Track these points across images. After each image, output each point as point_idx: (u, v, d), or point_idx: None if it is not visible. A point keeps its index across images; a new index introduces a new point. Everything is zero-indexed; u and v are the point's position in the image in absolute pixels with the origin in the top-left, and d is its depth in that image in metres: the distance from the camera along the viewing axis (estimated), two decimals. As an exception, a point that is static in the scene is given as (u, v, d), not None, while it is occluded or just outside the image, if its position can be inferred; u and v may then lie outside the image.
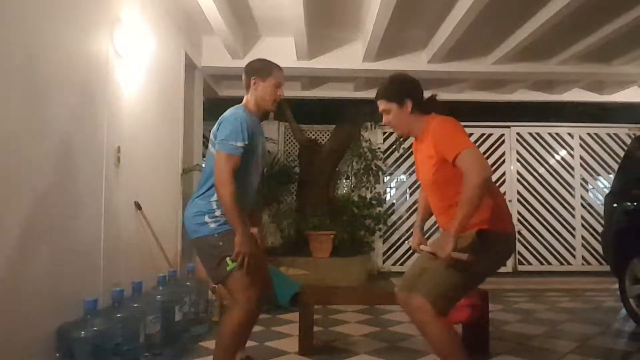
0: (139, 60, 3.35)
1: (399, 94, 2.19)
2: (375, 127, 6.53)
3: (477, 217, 2.03)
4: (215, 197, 2.31)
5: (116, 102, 3.05)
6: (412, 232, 2.45)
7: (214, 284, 2.53)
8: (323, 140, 6.87)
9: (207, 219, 2.31)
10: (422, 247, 2.24)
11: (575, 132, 6.98)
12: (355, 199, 6.43)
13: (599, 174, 6.95)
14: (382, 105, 2.22)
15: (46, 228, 2.31)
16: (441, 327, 2.00)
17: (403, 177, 6.97)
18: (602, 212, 4.91)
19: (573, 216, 6.83)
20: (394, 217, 6.77)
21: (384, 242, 6.71)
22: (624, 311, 3.97)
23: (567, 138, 6.97)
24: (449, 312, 2.08)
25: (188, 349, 3.05)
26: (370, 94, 3.17)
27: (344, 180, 6.79)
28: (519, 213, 6.73)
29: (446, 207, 2.12)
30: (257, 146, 2.43)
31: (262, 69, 2.50)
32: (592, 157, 6.93)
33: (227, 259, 2.24)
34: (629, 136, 6.73)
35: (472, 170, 1.92)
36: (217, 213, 2.31)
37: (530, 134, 6.94)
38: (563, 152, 6.97)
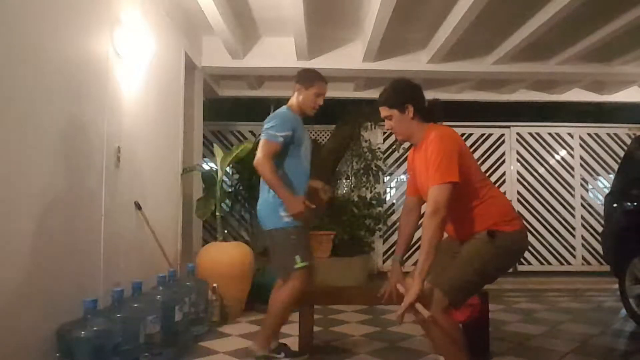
0: (139, 60, 3.35)
1: (400, 100, 2.22)
2: (375, 127, 6.52)
3: (485, 221, 2.08)
4: None
5: (116, 102, 3.05)
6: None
7: (281, 275, 2.82)
8: (323, 140, 6.87)
9: (282, 212, 2.66)
10: (398, 286, 2.21)
11: (575, 132, 6.97)
12: (355, 199, 6.43)
13: (599, 174, 6.95)
14: (384, 111, 2.26)
15: (46, 228, 2.30)
16: (446, 323, 2.01)
17: (403, 177, 6.96)
18: (602, 212, 4.91)
19: (573, 216, 6.83)
20: (394, 217, 6.76)
21: (384, 242, 6.71)
22: (624, 311, 3.97)
23: (567, 138, 6.96)
24: (461, 305, 2.10)
25: (188, 349, 3.05)
26: (370, 94, 3.19)
27: (344, 180, 6.79)
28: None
29: (449, 215, 2.13)
30: (302, 139, 2.77)
31: (307, 79, 2.83)
32: (592, 157, 6.93)
33: (297, 257, 2.63)
34: (629, 136, 6.73)
35: (429, 211, 2.00)
36: None
37: (530, 134, 6.94)
38: (563, 152, 6.97)
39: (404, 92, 2.24)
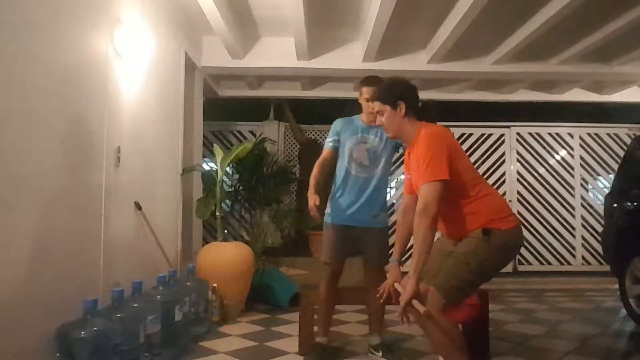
0: (139, 60, 3.35)
1: (393, 97, 2.24)
2: (375, 127, 6.52)
3: (480, 219, 2.07)
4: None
5: (116, 102, 3.05)
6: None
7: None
8: (323, 140, 6.86)
9: (328, 208, 3.04)
10: (396, 285, 2.22)
11: (575, 132, 6.97)
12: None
13: (599, 174, 6.94)
14: (377, 106, 2.30)
15: (46, 228, 2.31)
16: (444, 323, 2.01)
17: (403, 177, 6.94)
18: (602, 212, 4.91)
19: (573, 216, 6.82)
20: (393, 217, 6.73)
21: (384, 242, 6.69)
22: (624, 311, 3.98)
23: (567, 138, 6.96)
24: (460, 303, 2.10)
25: (188, 349, 3.05)
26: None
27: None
28: (519, 213, 6.70)
29: (443, 214, 2.14)
30: (345, 142, 3.00)
31: (359, 87, 3.07)
32: (592, 157, 6.92)
33: (323, 251, 3.02)
34: (629, 136, 6.72)
35: (420, 209, 2.01)
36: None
37: (530, 134, 6.93)
38: (563, 152, 6.96)
39: (398, 90, 2.27)
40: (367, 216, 2.96)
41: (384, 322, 3.17)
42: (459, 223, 2.14)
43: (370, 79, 2.99)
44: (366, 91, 2.95)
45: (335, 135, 3.03)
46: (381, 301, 2.30)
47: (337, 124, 3.08)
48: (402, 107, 2.22)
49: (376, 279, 2.95)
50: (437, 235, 2.12)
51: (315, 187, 2.94)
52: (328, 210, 3.03)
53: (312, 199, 2.87)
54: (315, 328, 3.11)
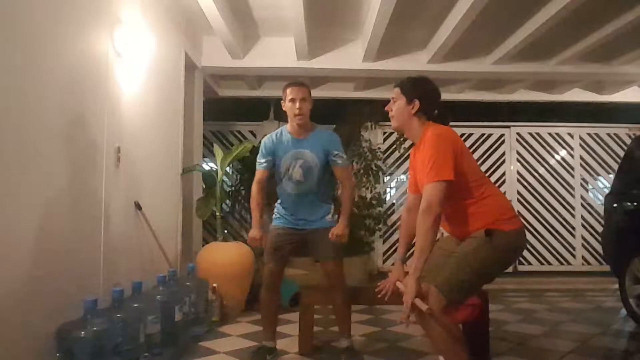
0: (139, 60, 3.35)
1: (412, 92, 2.26)
2: (375, 127, 6.52)
3: (483, 220, 2.07)
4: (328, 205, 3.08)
5: (116, 102, 3.05)
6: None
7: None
8: (323, 140, 6.85)
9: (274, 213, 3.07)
10: (397, 284, 2.22)
11: (575, 132, 6.97)
12: (355, 198, 6.42)
13: (599, 174, 6.95)
14: (395, 92, 2.32)
15: (46, 228, 2.30)
16: (445, 323, 2.01)
17: (403, 177, 6.96)
18: (602, 212, 4.91)
19: (573, 216, 6.83)
20: (394, 217, 6.76)
21: (384, 242, 6.71)
22: (624, 311, 3.98)
23: (567, 138, 6.96)
24: (461, 304, 2.10)
25: (188, 349, 3.05)
26: (370, 94, 3.20)
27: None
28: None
29: (447, 214, 2.14)
30: (280, 162, 2.91)
31: (282, 92, 2.91)
32: (592, 157, 6.93)
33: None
34: (629, 136, 6.73)
35: (423, 208, 2.02)
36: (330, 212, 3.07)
37: (530, 134, 6.94)
38: (563, 152, 6.96)
39: (421, 89, 2.29)
40: (311, 219, 2.99)
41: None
42: (462, 223, 2.14)
43: (295, 82, 2.94)
44: (292, 91, 2.83)
45: (268, 156, 2.93)
46: (386, 299, 2.29)
47: (268, 143, 2.95)
48: (416, 105, 2.24)
49: (335, 275, 2.94)
50: (438, 235, 2.12)
51: (258, 220, 2.90)
52: (275, 214, 3.07)
53: (255, 233, 2.86)
54: (316, 328, 3.11)
